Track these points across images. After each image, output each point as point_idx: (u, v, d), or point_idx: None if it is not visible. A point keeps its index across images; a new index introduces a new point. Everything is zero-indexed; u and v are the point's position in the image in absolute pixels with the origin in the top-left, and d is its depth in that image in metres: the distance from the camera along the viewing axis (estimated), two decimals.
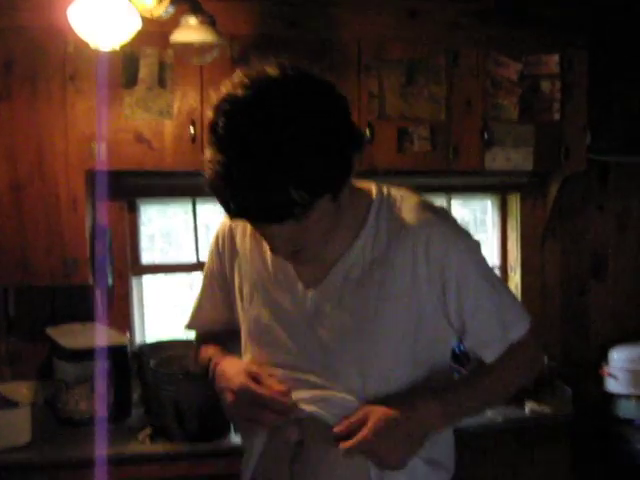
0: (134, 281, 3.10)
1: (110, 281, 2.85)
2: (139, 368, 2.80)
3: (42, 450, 2.49)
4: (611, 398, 3.26)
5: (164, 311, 3.35)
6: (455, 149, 2.84)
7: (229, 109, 1.19)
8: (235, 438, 2.57)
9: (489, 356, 1.46)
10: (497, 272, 3.42)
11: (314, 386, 1.42)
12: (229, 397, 1.48)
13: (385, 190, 1.45)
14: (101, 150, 2.61)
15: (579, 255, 3.40)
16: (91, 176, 2.71)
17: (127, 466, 2.46)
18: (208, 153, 1.21)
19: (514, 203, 3.35)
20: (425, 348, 1.43)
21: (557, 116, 2.94)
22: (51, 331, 2.78)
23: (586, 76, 2.96)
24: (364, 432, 1.35)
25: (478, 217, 3.59)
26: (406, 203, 1.42)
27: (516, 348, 1.47)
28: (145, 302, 3.22)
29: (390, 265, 1.38)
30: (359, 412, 1.37)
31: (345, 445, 1.35)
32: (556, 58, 2.91)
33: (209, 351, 1.63)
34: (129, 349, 2.84)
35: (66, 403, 2.69)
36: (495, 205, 3.44)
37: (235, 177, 1.17)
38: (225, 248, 1.58)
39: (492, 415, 2.77)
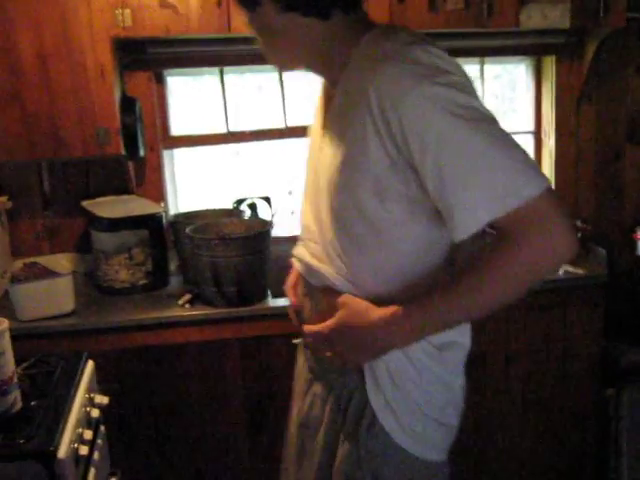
0: (165, 153, 3.10)
1: (142, 152, 2.84)
2: (175, 238, 2.84)
3: (86, 317, 2.57)
4: None
5: (196, 183, 3.36)
6: (489, 6, 2.73)
7: None
8: (272, 302, 2.63)
9: (455, 234, 1.21)
10: (530, 138, 3.37)
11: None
12: None
13: (381, 30, 1.33)
14: (125, 17, 2.56)
15: (615, 119, 3.32)
16: (117, 45, 2.67)
17: (167, 329, 2.54)
18: None
19: (549, 66, 3.25)
20: (397, 201, 1.29)
21: None
22: (87, 204, 2.81)
23: None
24: (320, 328, 1.41)
25: (513, 81, 3.50)
26: (385, 46, 1.25)
27: (514, 230, 1.18)
28: (177, 174, 3.23)
29: (350, 113, 1.30)
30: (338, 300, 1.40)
31: (305, 330, 1.46)
32: None
33: None
34: (164, 219, 2.87)
35: (106, 273, 2.75)
36: (530, 68, 3.34)
37: None
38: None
39: None
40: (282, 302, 2.64)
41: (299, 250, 1.58)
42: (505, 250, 1.19)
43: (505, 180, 1.15)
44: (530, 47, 3.20)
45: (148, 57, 2.89)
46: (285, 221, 3.22)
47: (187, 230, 2.58)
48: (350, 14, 1.35)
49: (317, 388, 1.58)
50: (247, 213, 3.01)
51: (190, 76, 3.23)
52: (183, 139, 3.17)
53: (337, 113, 1.37)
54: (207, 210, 2.99)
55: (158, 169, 3.03)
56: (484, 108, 1.20)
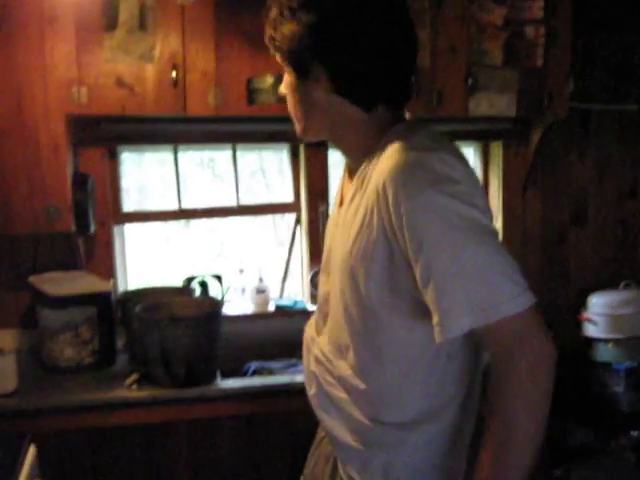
0: (116, 229, 3.07)
1: (92, 229, 2.82)
2: (123, 315, 2.80)
3: (29, 397, 2.49)
4: (590, 343, 3.33)
5: (146, 259, 3.34)
6: (439, 95, 2.83)
7: None
8: (222, 383, 2.59)
9: (437, 336, 1.23)
10: None
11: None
12: None
13: (405, 126, 1.40)
14: (81, 95, 2.57)
15: (560, 203, 3.43)
16: (71, 121, 2.68)
17: (114, 411, 2.47)
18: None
19: (497, 150, 3.35)
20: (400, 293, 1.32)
21: (540, 62, 2.93)
22: (34, 279, 2.76)
23: (569, 22, 2.94)
24: None
25: None
26: (401, 144, 1.30)
27: (499, 347, 1.23)
28: (127, 248, 3.20)
29: (363, 200, 1.35)
30: None
31: None
32: (540, 3, 2.89)
33: None
34: (113, 296, 2.83)
35: (51, 351, 2.68)
36: (478, 152, 3.44)
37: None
38: None
39: None
40: (231, 383, 2.61)
41: (309, 330, 1.63)
42: (504, 380, 1.23)
43: (490, 293, 1.19)
44: (478, 133, 3.30)
45: (102, 133, 2.88)
46: (236, 299, 3.21)
47: (136, 309, 2.55)
48: (391, 111, 1.42)
49: (325, 448, 1.60)
50: (197, 291, 2.99)
51: (143, 152, 3.24)
52: (134, 215, 3.16)
53: (352, 197, 1.41)
54: (157, 288, 2.95)
55: (108, 245, 3.00)
56: (484, 219, 1.24)
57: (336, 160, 3.12)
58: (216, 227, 3.49)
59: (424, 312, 1.26)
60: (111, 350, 2.78)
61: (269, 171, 3.63)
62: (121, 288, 3.09)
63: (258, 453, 2.61)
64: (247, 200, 3.26)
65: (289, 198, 3.33)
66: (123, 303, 2.80)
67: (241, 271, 3.21)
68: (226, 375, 2.69)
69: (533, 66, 2.92)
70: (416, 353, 1.36)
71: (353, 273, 1.35)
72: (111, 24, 2.57)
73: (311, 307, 3.21)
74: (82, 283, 2.74)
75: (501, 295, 1.19)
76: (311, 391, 1.54)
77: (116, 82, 2.59)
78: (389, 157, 1.29)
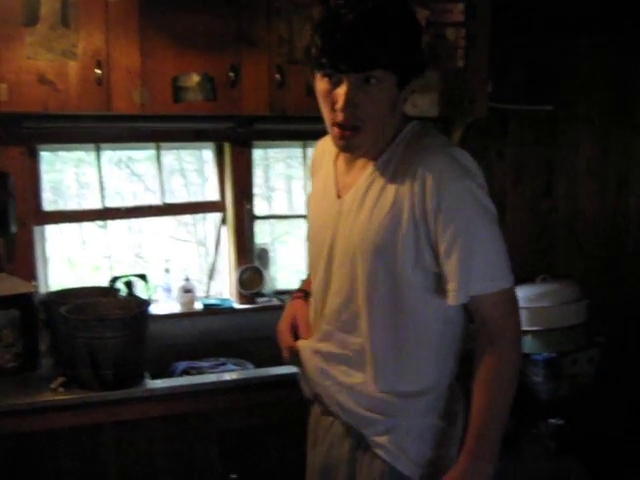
0: (36, 230, 2.99)
1: (14, 229, 2.74)
2: (47, 318, 2.73)
3: None
4: None
5: (65, 260, 3.27)
6: None
7: None
8: (150, 384, 2.56)
9: (450, 300, 1.54)
10: None
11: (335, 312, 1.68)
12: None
13: (420, 125, 1.64)
14: (1, 92, 2.50)
15: None
16: None
17: (41, 415, 2.41)
18: (316, 12, 1.48)
19: None
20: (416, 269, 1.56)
21: (461, 63, 3.01)
22: None
23: (488, 25, 3.03)
24: None
25: None
26: (428, 140, 1.57)
27: (496, 319, 1.55)
28: (48, 249, 3.12)
29: (383, 187, 1.57)
30: None
31: None
32: (461, 6, 2.97)
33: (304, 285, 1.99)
34: (35, 298, 2.76)
35: None
36: None
37: (350, 21, 1.42)
38: (311, 173, 1.92)
39: None
40: (160, 384, 2.59)
41: (305, 343, 1.79)
42: (494, 354, 1.55)
43: (494, 269, 1.52)
44: None
45: (23, 131, 2.80)
46: (162, 299, 3.18)
47: (62, 310, 2.49)
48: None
49: (336, 429, 1.75)
50: (123, 291, 2.94)
51: (64, 151, 3.18)
52: (56, 215, 3.09)
53: (370, 184, 1.60)
54: (81, 288, 2.89)
55: (29, 246, 2.92)
56: (494, 208, 1.56)
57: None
58: (134, 227, 3.45)
59: (437, 287, 1.56)
60: (35, 353, 2.70)
61: (188, 171, 3.61)
62: (43, 290, 3.02)
63: (188, 452, 2.59)
64: (169, 200, 3.23)
65: (212, 197, 3.31)
66: (46, 305, 2.73)
67: (167, 270, 3.19)
68: (154, 376, 2.66)
69: (454, 67, 3.00)
70: (426, 321, 1.61)
71: (382, 248, 1.55)
72: (32, 20, 2.50)
73: (238, 305, 3.21)
74: (3, 285, 2.67)
75: (500, 272, 1.53)
76: (326, 383, 1.71)
77: (38, 79, 2.53)
78: (424, 151, 1.53)
